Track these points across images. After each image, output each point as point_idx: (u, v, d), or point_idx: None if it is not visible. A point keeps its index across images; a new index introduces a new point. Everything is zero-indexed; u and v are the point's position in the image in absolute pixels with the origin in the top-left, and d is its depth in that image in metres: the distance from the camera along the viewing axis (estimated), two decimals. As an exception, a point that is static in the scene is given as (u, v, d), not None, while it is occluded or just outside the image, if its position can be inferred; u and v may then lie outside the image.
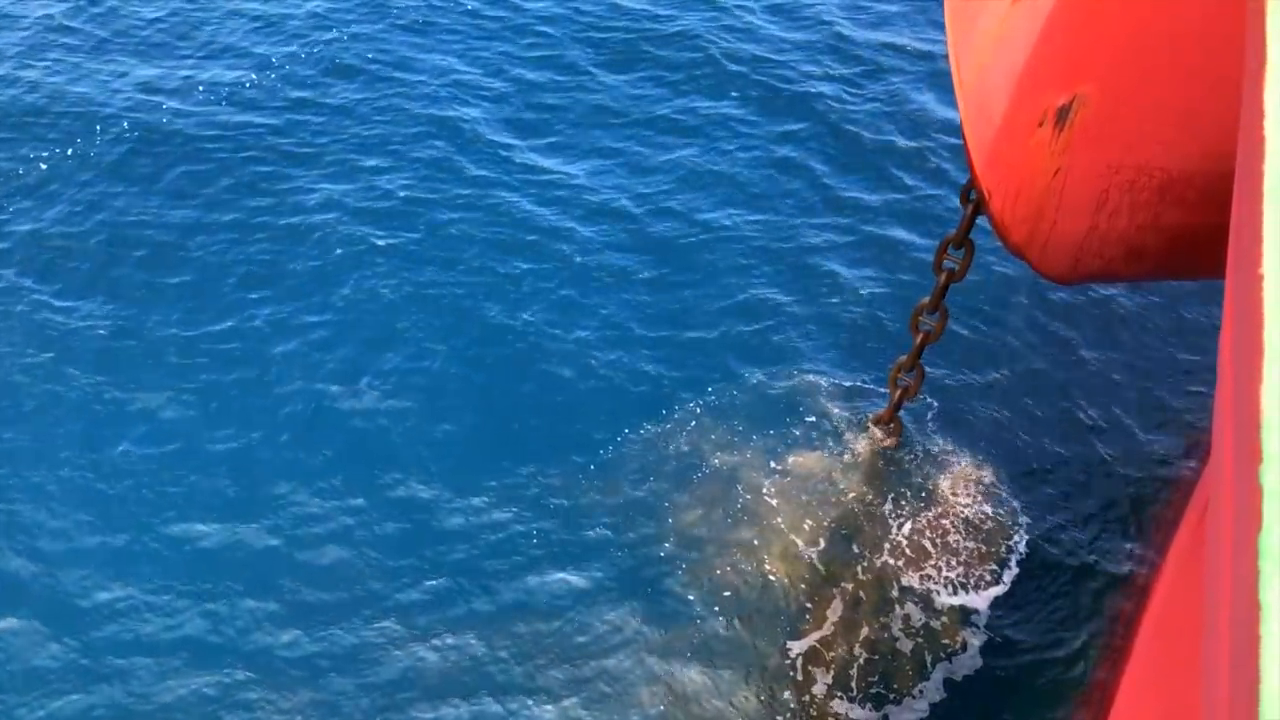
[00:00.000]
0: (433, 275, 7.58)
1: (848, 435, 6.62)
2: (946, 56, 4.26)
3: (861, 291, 7.63)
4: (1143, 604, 4.15)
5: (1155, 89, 3.61)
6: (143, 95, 9.18)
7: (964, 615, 5.75)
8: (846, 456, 6.49)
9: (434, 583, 5.85)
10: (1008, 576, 5.94)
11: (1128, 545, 6.17)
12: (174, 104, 9.09)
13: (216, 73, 9.52)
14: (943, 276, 5.40)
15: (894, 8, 10.69)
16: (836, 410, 6.77)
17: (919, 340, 5.79)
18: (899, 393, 6.17)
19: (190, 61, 9.68)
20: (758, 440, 6.58)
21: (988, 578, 5.92)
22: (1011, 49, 3.85)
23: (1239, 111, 1.87)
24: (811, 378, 6.99)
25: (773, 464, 6.44)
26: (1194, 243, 3.94)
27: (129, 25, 10.13)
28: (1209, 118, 3.48)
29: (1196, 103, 3.54)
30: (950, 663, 5.60)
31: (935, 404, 6.81)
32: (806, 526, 6.10)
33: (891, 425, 6.43)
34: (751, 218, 8.19)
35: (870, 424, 6.53)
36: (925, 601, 5.80)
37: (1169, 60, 3.52)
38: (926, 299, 5.61)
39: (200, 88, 9.31)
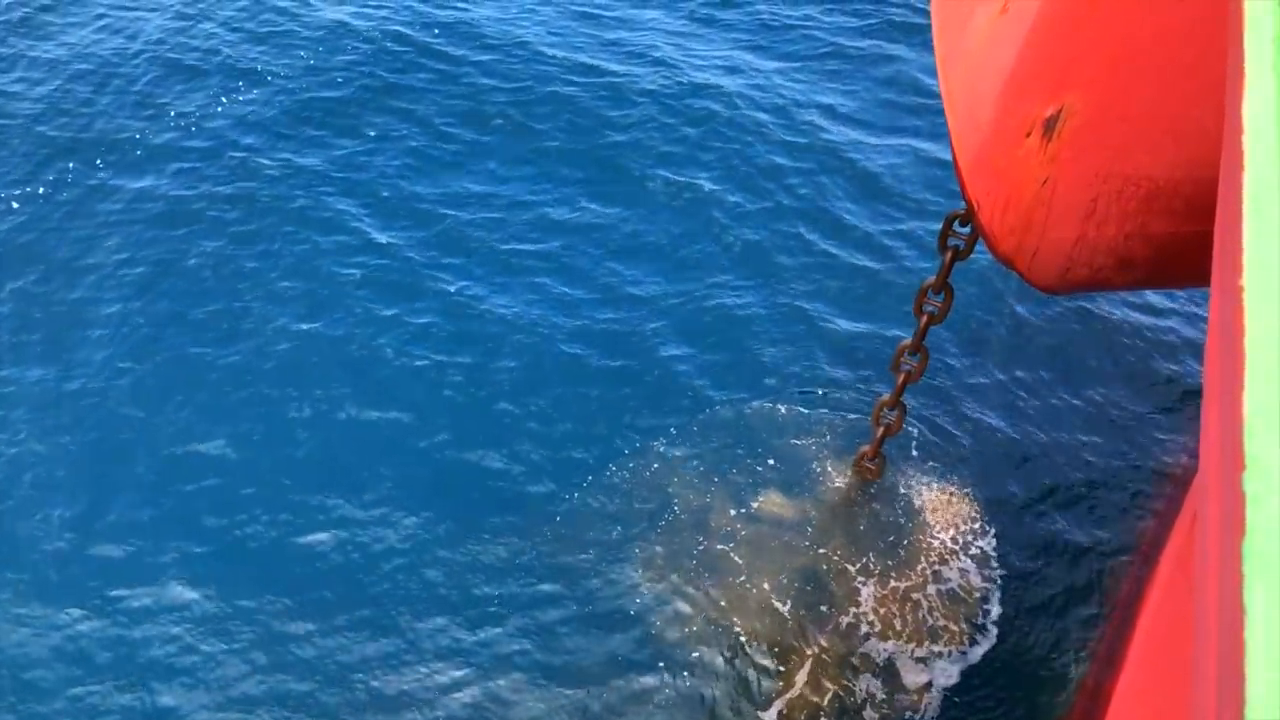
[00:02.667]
0: (395, 319, 7.47)
1: (822, 474, 6.54)
2: (934, 71, 4.30)
3: (836, 322, 7.57)
4: (1136, 612, 4.18)
5: (1142, 98, 3.65)
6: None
7: (938, 673, 5.70)
8: (820, 497, 6.41)
9: (376, 644, 5.75)
10: (985, 628, 5.88)
11: (1108, 590, 6.13)
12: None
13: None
14: (923, 320, 5.47)
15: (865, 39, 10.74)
16: (811, 447, 6.69)
17: (901, 380, 5.84)
18: (882, 430, 6.21)
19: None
20: (727, 482, 6.48)
21: (963, 632, 5.84)
22: (998, 60, 3.88)
23: (1225, 121, 1.90)
24: (784, 412, 6.91)
25: (743, 508, 6.34)
26: (1182, 251, 3.97)
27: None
28: (1196, 127, 3.51)
29: (1183, 112, 3.57)
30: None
31: (915, 440, 6.77)
32: (777, 579, 5.99)
33: (876, 463, 6.45)
34: (720, 247, 8.13)
35: (854, 462, 6.53)
36: (896, 660, 5.71)
37: (1155, 69, 3.56)
38: (908, 340, 5.67)
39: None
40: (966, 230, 4.99)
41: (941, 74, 4.18)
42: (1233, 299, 1.56)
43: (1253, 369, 1.44)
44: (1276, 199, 1.48)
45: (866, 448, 6.44)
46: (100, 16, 10.45)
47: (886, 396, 6.05)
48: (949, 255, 5.09)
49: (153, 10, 10.54)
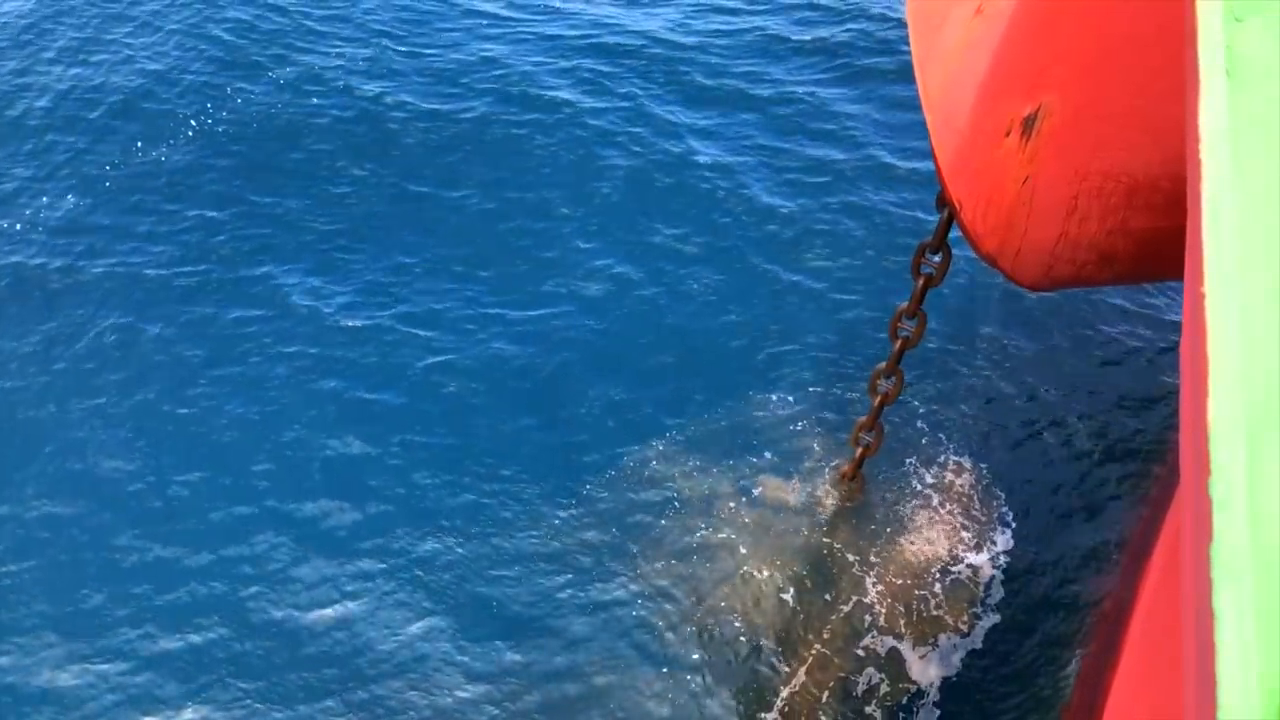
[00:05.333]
0: (406, 318, 7.52)
1: (822, 462, 6.57)
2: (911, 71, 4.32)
3: (828, 315, 7.59)
4: (1130, 607, 4.19)
5: (1119, 95, 3.67)
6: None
7: (938, 663, 5.73)
8: (822, 486, 6.46)
9: (371, 638, 5.80)
10: (986, 619, 5.90)
11: (1105, 578, 6.16)
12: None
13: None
14: (898, 344, 5.53)
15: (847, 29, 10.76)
16: (812, 435, 6.70)
17: (877, 402, 5.89)
18: (861, 451, 6.25)
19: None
20: (729, 474, 6.52)
21: (964, 623, 5.87)
22: (975, 60, 3.91)
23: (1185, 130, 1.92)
24: (781, 401, 6.93)
25: (744, 499, 6.39)
26: (1165, 245, 3.99)
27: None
28: (1174, 122, 3.53)
29: (1159, 108, 3.60)
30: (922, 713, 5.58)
31: (916, 428, 6.78)
32: (779, 570, 6.04)
33: (855, 481, 6.48)
34: (715, 242, 8.15)
35: (834, 480, 6.55)
36: (899, 650, 5.75)
37: (1130, 67, 3.58)
38: (883, 364, 5.74)
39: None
40: (938, 258, 5.07)
41: (919, 76, 4.20)
42: (1197, 304, 1.59)
43: (1215, 375, 1.46)
44: (1233, 206, 1.50)
45: (845, 467, 6.50)
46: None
47: (864, 419, 6.11)
48: (922, 283, 5.16)
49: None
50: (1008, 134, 3.85)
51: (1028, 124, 3.81)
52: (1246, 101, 1.57)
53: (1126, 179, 3.76)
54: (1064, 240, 3.98)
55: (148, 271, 7.87)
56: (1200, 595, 1.53)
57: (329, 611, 5.90)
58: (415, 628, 5.84)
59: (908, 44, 4.37)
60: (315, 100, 9.55)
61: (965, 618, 5.87)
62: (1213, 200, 1.52)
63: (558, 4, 10.83)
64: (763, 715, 5.49)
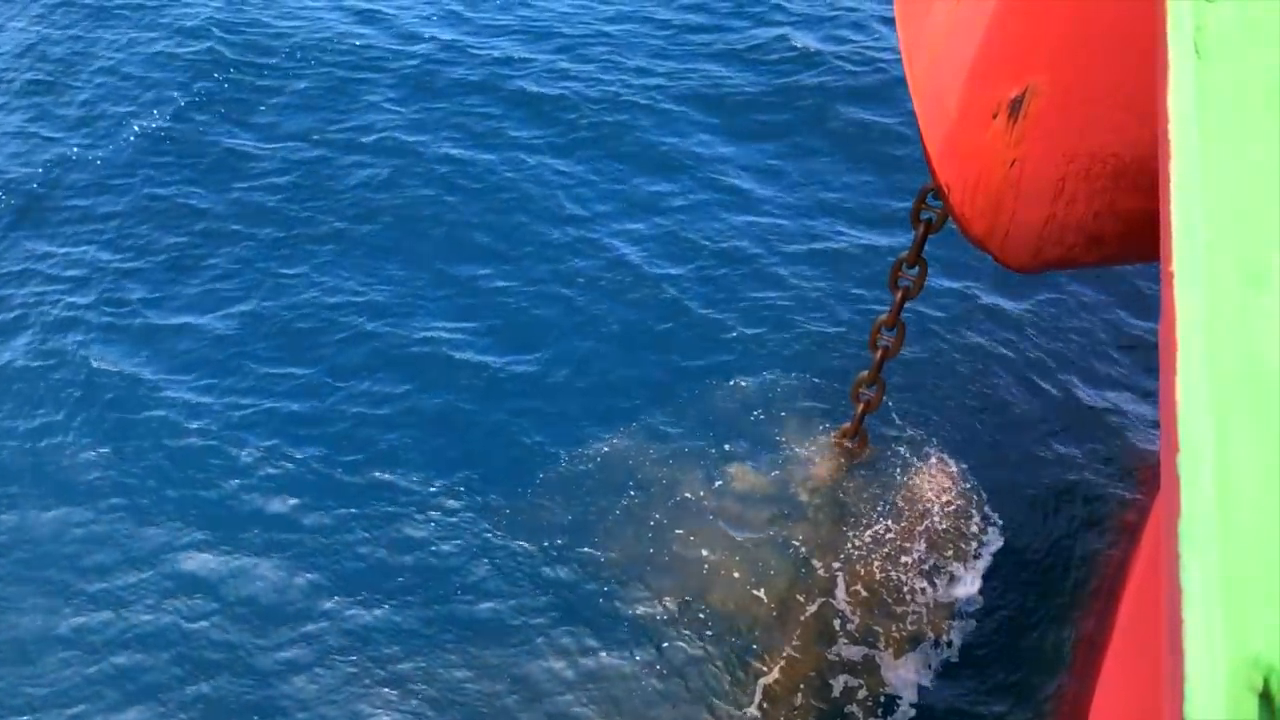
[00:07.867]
0: (380, 301, 7.49)
1: (800, 450, 6.47)
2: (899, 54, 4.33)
3: (813, 296, 7.52)
4: (1119, 593, 4.22)
5: (1104, 76, 3.68)
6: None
7: (921, 655, 5.67)
8: (799, 475, 6.36)
9: (331, 631, 5.73)
10: (969, 612, 5.84)
11: (1101, 565, 6.11)
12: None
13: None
14: (878, 354, 5.55)
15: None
16: (785, 424, 6.63)
17: (860, 410, 5.91)
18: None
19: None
20: (703, 461, 6.40)
21: (947, 616, 5.80)
22: (961, 43, 3.91)
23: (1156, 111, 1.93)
24: (753, 389, 6.84)
25: (716, 491, 6.26)
26: (1153, 226, 4.00)
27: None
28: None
29: (1145, 89, 3.59)
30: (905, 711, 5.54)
31: (896, 419, 6.73)
32: (754, 564, 5.91)
33: (857, 439, 6.41)
34: (696, 220, 8.09)
35: (835, 439, 6.48)
36: (877, 644, 5.66)
37: (1116, 47, 3.58)
38: (864, 374, 5.77)
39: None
40: (915, 271, 5.16)
41: (906, 60, 4.21)
42: (1166, 284, 1.60)
43: (1183, 353, 1.48)
44: (1200, 186, 1.51)
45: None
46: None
47: (846, 426, 6.12)
48: (900, 295, 5.22)
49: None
50: (995, 116, 3.86)
51: (1015, 106, 3.82)
52: (1215, 81, 1.58)
53: (1114, 160, 3.77)
54: (1052, 222, 3.99)
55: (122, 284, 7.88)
56: (1171, 573, 1.54)
57: (298, 610, 5.86)
58: (377, 628, 5.74)
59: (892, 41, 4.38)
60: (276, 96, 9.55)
61: (948, 610, 5.80)
62: (1181, 180, 1.53)
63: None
64: (745, 712, 5.42)
